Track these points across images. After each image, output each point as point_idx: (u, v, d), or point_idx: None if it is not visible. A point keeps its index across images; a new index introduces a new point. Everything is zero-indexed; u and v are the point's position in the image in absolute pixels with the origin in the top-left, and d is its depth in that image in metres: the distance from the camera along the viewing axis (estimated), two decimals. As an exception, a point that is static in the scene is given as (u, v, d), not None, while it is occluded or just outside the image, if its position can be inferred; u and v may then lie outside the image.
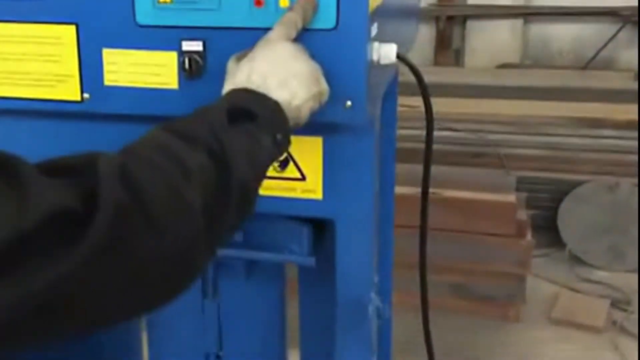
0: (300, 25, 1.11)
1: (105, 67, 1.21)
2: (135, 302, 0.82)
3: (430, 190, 3.95)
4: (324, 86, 1.12)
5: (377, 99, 1.26)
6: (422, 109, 4.86)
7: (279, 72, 1.07)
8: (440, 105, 5.18)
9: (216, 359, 1.79)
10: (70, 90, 1.22)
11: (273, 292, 1.65)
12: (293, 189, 1.30)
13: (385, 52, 1.20)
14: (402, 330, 3.73)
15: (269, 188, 1.30)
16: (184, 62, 1.17)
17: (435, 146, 4.89)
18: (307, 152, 1.28)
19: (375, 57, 1.20)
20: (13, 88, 1.23)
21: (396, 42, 1.21)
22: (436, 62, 6.87)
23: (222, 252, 1.42)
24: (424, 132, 5.01)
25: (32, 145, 1.29)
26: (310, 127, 1.23)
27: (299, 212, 1.32)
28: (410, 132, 4.92)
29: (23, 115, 1.26)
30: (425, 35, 6.73)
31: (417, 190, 4.09)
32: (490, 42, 6.56)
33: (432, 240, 3.82)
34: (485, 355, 3.53)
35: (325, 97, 1.13)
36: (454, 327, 3.71)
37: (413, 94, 4.93)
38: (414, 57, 1.32)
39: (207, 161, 0.89)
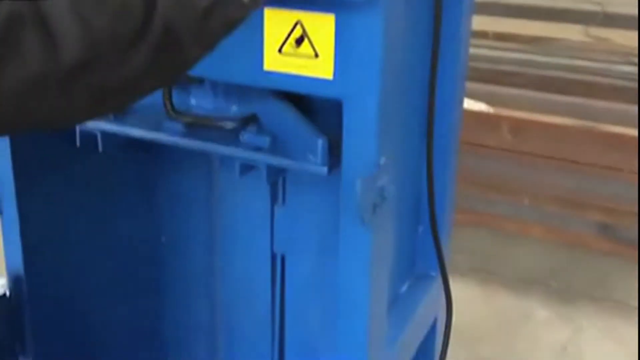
0: None
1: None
2: (36, 110, 0.94)
3: (585, 122, 3.77)
4: None
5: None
6: (612, 41, 4.54)
7: None
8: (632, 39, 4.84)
9: (281, 259, 1.93)
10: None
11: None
12: (306, 67, 1.35)
13: None
14: (529, 260, 3.67)
15: (284, 65, 1.37)
16: None
17: (616, 81, 4.62)
18: (321, 30, 1.32)
19: (382, -64, 1.21)
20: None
21: None
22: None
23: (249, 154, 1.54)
24: (605, 65, 4.70)
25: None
26: (321, 2, 1.29)
27: (310, 90, 1.38)
28: (588, 64, 4.67)
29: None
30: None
31: (577, 123, 3.92)
32: None
33: (583, 175, 3.70)
34: (621, 297, 3.39)
35: None
36: (594, 265, 3.60)
37: (600, 25, 4.62)
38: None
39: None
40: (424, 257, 1.86)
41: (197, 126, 1.60)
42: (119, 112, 1.60)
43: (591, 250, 3.62)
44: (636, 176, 3.50)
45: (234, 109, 1.62)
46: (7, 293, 1.87)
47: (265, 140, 1.54)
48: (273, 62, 1.38)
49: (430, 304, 1.86)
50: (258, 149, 1.54)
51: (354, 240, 1.41)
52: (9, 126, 0.97)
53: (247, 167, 1.59)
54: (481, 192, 3.93)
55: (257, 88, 1.51)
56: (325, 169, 1.47)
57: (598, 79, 4.42)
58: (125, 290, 2.10)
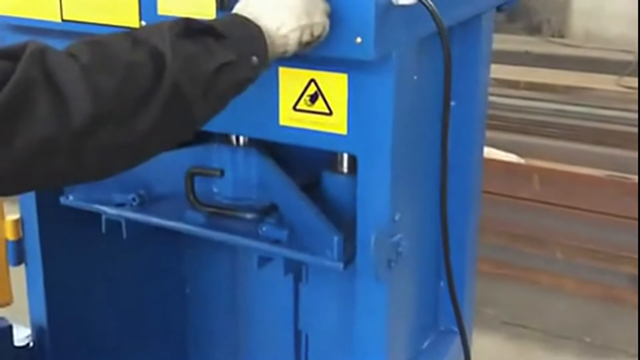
0: None
1: (159, -2, 1.37)
2: (47, 169, 0.96)
3: (617, 173, 3.74)
4: (318, 20, 1.20)
5: (399, 40, 1.29)
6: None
7: (272, 2, 1.17)
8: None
9: (305, 337, 1.94)
10: (130, 17, 1.40)
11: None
12: (321, 123, 1.37)
13: (403, -7, 1.23)
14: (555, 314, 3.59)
15: (299, 120, 1.39)
16: (217, -6, 1.30)
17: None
18: (334, 88, 1.34)
19: (393, -2, 1.24)
20: (88, 13, 1.44)
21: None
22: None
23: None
24: (637, 115, 4.68)
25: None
26: (334, 63, 1.31)
27: (325, 146, 1.39)
28: (620, 114, 4.64)
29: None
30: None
31: (609, 174, 3.88)
32: None
33: (614, 227, 3.64)
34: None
35: (319, 31, 1.21)
36: (627, 320, 3.51)
37: (632, 74, 4.64)
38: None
39: (144, 58, 1.01)
40: (446, 312, 1.83)
41: (218, 215, 1.64)
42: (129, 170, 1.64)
43: (625, 304, 3.54)
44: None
45: (254, 196, 1.65)
46: (31, 344, 1.89)
47: (283, 233, 1.55)
48: (288, 117, 1.40)
49: (452, 360, 1.83)
50: (276, 241, 1.55)
51: (370, 295, 1.41)
52: (21, 185, 1.00)
53: (266, 259, 1.60)
54: (513, 244, 3.89)
55: (275, 177, 1.58)
56: (340, 265, 1.47)
57: (630, 128, 4.38)
58: (149, 342, 2.11)
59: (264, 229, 1.56)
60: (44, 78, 0.94)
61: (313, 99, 1.37)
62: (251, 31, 1.14)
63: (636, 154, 4.06)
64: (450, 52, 1.32)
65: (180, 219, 1.65)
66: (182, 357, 2.19)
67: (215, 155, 1.67)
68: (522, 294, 3.77)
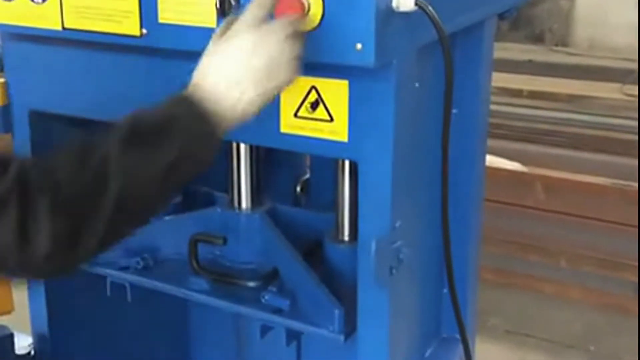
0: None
1: (160, 6, 1.37)
2: None
3: (621, 181, 3.73)
4: (282, 78, 1.20)
5: (400, 47, 1.29)
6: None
7: (232, 72, 1.17)
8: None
9: None
10: (132, 26, 1.40)
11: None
12: (321, 130, 1.36)
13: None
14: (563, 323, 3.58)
15: (300, 127, 1.39)
16: (217, 2, 1.30)
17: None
18: (335, 95, 1.34)
19: (393, 4, 1.23)
20: (89, 22, 1.44)
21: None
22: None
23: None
24: (635, 122, 4.68)
25: (100, 77, 1.52)
26: (335, 70, 1.31)
27: (325, 153, 1.39)
28: (623, 122, 4.63)
29: (94, 47, 1.47)
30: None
31: (613, 182, 3.88)
32: None
33: (619, 235, 3.63)
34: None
35: (284, 86, 1.22)
36: (632, 328, 3.49)
37: (635, 82, 4.64)
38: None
39: (89, 180, 1.05)
40: (449, 320, 1.82)
41: (221, 282, 1.64)
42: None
43: (629, 312, 3.53)
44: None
45: (257, 260, 1.67)
46: (33, 352, 1.88)
47: (285, 303, 1.55)
48: (289, 125, 1.40)
49: (455, 368, 1.82)
50: (278, 310, 1.56)
51: (372, 303, 1.40)
52: None
53: (268, 328, 1.61)
54: (517, 252, 3.88)
55: (277, 244, 1.59)
56: (341, 337, 1.48)
57: (633, 136, 4.37)
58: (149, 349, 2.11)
59: (266, 297, 1.57)
60: (19, 204, 1.01)
61: (314, 106, 1.37)
62: (204, 125, 1.13)
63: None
64: (451, 59, 1.31)
65: (183, 284, 1.66)
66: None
67: (219, 220, 1.68)
68: (527, 302, 3.76)
